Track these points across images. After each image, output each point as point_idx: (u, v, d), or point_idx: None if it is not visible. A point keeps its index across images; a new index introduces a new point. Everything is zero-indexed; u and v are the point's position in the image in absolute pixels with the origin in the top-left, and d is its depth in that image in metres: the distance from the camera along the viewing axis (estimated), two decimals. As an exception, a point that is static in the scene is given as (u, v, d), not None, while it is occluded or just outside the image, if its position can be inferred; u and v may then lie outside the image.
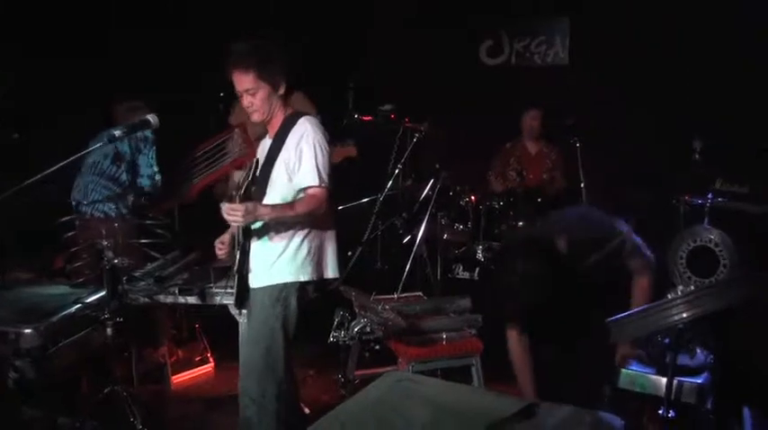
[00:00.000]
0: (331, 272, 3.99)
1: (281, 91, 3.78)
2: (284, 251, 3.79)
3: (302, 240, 3.81)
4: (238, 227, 3.74)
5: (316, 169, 3.69)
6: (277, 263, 3.79)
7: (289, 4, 8.01)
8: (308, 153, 3.70)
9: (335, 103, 7.03)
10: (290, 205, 3.69)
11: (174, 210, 5.87)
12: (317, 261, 3.90)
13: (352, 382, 4.91)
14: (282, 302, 3.79)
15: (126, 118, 5.10)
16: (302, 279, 3.83)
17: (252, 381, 3.80)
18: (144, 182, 5.52)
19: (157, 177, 5.51)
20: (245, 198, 3.51)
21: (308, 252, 3.84)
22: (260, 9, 7.89)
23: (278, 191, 3.74)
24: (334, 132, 5.97)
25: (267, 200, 3.72)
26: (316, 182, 3.70)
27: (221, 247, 4.00)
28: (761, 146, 5.77)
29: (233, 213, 3.48)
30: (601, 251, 3.72)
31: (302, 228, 3.80)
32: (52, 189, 3.76)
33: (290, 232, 3.78)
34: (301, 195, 3.73)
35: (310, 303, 3.96)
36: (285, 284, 3.80)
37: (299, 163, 3.71)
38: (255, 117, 3.82)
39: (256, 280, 3.85)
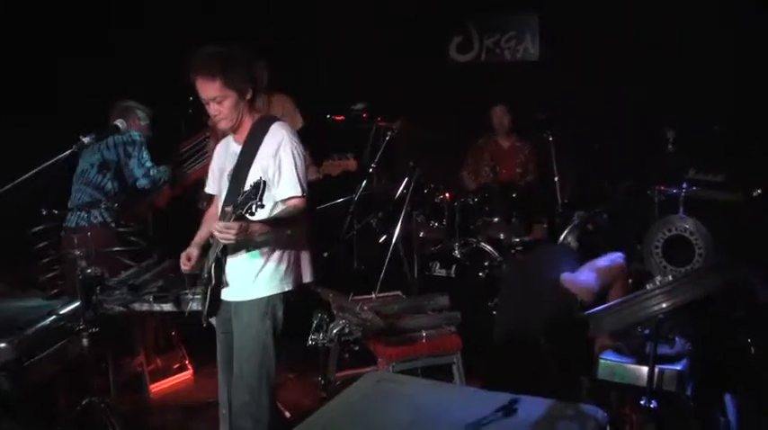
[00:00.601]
0: (309, 276, 3.93)
1: (249, 96, 3.66)
2: (266, 263, 3.71)
3: (283, 251, 3.74)
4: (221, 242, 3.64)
5: (297, 179, 3.62)
6: (260, 275, 3.71)
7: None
8: (287, 163, 3.61)
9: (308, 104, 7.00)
10: (279, 220, 3.59)
11: (149, 216, 5.84)
12: (298, 268, 3.84)
13: (332, 384, 4.89)
14: (270, 315, 3.72)
15: (119, 118, 5.08)
16: (286, 289, 3.77)
17: (247, 397, 3.70)
18: (142, 182, 5.50)
19: (153, 172, 5.47)
20: (242, 217, 3.32)
21: (289, 261, 3.77)
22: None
23: None
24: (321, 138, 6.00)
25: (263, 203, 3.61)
26: (298, 192, 3.62)
27: (186, 264, 3.89)
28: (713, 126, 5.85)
29: (226, 231, 3.33)
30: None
31: (281, 239, 3.75)
32: (24, 197, 3.69)
33: (271, 244, 3.73)
34: (282, 206, 3.64)
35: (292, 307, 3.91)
36: (270, 297, 3.72)
37: (279, 173, 3.61)
38: (223, 125, 3.70)
39: (239, 294, 3.76)
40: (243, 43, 3.72)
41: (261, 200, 3.19)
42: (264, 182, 3.21)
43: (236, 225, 3.30)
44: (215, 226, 3.38)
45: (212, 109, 3.62)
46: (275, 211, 3.65)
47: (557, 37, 7.63)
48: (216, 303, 3.78)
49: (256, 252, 3.69)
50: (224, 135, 3.98)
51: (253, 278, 3.71)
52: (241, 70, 3.58)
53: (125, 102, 5.56)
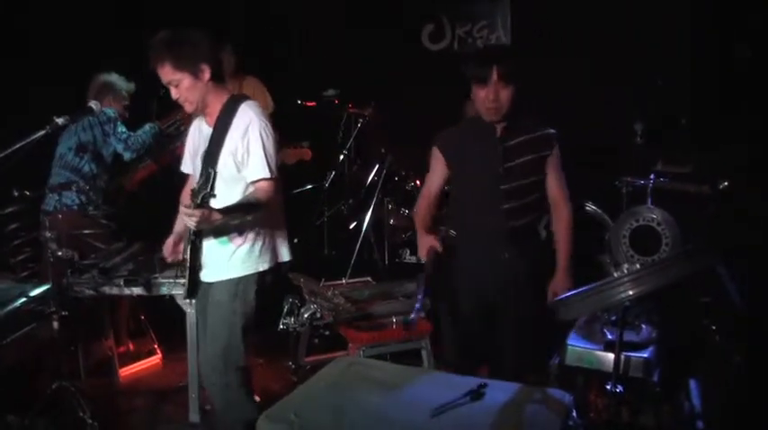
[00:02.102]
0: (285, 255, 3.93)
1: (206, 76, 3.61)
2: (241, 245, 3.71)
3: (257, 231, 3.75)
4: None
5: (265, 161, 3.60)
6: (235, 256, 3.72)
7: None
8: (255, 144, 3.60)
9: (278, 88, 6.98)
10: (244, 205, 3.60)
11: (119, 199, 5.81)
12: (273, 248, 3.85)
13: (303, 369, 4.92)
14: (241, 296, 3.72)
15: (94, 97, 5.05)
16: (261, 269, 3.77)
17: (214, 377, 3.73)
18: (126, 155, 5.47)
19: (131, 140, 5.40)
20: (200, 206, 3.31)
21: (264, 241, 3.77)
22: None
23: (226, 182, 3.62)
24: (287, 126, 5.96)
25: (216, 192, 3.61)
26: (266, 174, 3.61)
27: (168, 251, 3.90)
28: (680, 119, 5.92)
29: (188, 217, 3.35)
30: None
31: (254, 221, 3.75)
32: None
33: (243, 226, 3.72)
34: (251, 189, 3.65)
35: (265, 291, 3.89)
36: (242, 277, 3.73)
37: (248, 154, 3.61)
38: (187, 108, 3.72)
39: (212, 274, 3.77)
40: (215, 29, 3.71)
41: (212, 190, 3.25)
42: (215, 172, 3.27)
43: (198, 212, 3.30)
44: (180, 208, 3.41)
45: (173, 93, 3.64)
46: (248, 192, 3.66)
47: (528, 24, 7.64)
48: (195, 285, 3.80)
49: (228, 235, 3.70)
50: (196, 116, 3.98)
51: (227, 259, 3.72)
52: (190, 50, 3.55)
53: (104, 77, 5.49)
